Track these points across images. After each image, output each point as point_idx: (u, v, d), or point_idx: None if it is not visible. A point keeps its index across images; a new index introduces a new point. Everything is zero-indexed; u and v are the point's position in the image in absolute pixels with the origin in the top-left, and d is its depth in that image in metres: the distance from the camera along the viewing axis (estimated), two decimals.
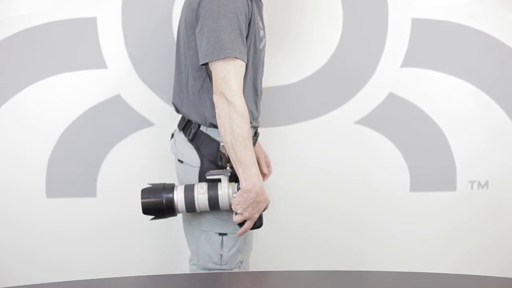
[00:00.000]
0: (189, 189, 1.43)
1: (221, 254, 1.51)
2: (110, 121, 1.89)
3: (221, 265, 1.52)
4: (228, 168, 1.44)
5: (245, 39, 1.38)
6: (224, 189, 1.42)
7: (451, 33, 1.94)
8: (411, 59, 1.95)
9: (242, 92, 1.36)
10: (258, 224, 1.47)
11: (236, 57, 1.34)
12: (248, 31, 1.41)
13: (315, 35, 1.94)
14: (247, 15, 1.38)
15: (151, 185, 1.47)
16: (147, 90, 1.87)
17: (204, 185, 1.43)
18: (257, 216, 1.44)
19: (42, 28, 1.81)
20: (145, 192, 1.45)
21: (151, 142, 1.90)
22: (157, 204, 1.44)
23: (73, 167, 1.89)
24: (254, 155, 1.39)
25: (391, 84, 1.96)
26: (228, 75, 1.34)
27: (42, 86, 1.84)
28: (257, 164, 1.40)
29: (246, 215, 1.42)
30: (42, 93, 1.85)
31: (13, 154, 1.87)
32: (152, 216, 1.47)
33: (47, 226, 1.91)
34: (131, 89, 1.88)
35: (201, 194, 1.42)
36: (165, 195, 1.43)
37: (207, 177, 1.43)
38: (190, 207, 1.43)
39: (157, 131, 1.88)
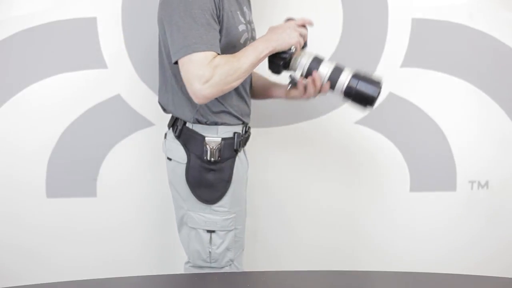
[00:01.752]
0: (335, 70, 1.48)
1: (209, 252, 1.51)
2: (110, 121, 1.89)
3: (210, 262, 1.52)
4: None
5: (216, 32, 1.39)
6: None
7: (451, 33, 1.94)
8: (411, 59, 1.94)
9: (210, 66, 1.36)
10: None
11: (204, 50, 1.35)
12: (221, 25, 1.42)
13: (315, 35, 1.93)
14: (214, 9, 1.39)
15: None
16: (147, 90, 1.87)
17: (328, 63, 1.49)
18: (297, 32, 1.46)
19: (42, 28, 1.81)
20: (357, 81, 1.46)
21: (151, 142, 1.90)
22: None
23: (73, 167, 1.89)
24: (245, 49, 1.41)
25: (391, 84, 1.95)
26: (196, 64, 1.35)
27: (42, 86, 1.84)
28: (253, 44, 1.42)
29: (294, 32, 1.46)
30: (42, 93, 1.85)
31: (13, 154, 1.87)
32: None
33: (47, 226, 1.91)
34: (131, 89, 1.88)
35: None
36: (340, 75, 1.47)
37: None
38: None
39: (157, 131, 1.88)
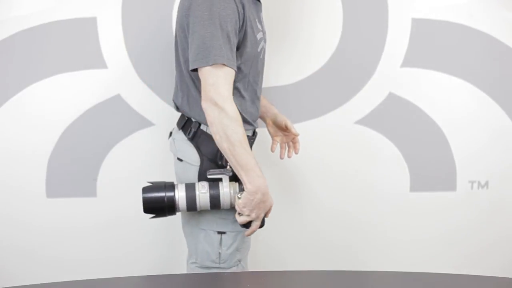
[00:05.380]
0: (190, 188, 1.44)
1: (219, 253, 1.51)
2: (110, 121, 1.89)
3: (219, 263, 1.52)
4: (228, 167, 1.45)
5: (234, 47, 1.38)
6: (226, 189, 1.43)
7: (451, 33, 1.94)
8: (411, 59, 1.95)
9: (232, 98, 1.36)
10: (260, 224, 1.48)
11: (224, 64, 1.34)
12: (244, 36, 1.41)
13: (315, 35, 1.94)
14: (237, 22, 1.38)
15: (151, 183, 1.47)
16: (147, 90, 1.87)
17: (206, 184, 1.44)
18: (262, 216, 1.45)
19: (42, 28, 1.81)
20: (146, 190, 1.45)
21: (151, 142, 1.90)
22: (159, 202, 1.44)
23: (73, 167, 1.90)
24: (253, 156, 1.39)
25: (391, 84, 1.96)
26: (218, 81, 1.34)
27: (42, 86, 1.84)
28: (258, 165, 1.40)
29: (253, 216, 1.43)
30: (42, 93, 1.85)
31: (13, 154, 1.87)
32: (152, 215, 1.47)
33: (47, 226, 1.91)
34: (131, 89, 1.88)
35: (202, 193, 1.43)
36: (167, 193, 1.43)
37: (208, 176, 1.43)
38: (191, 206, 1.43)
39: (157, 131, 1.88)
